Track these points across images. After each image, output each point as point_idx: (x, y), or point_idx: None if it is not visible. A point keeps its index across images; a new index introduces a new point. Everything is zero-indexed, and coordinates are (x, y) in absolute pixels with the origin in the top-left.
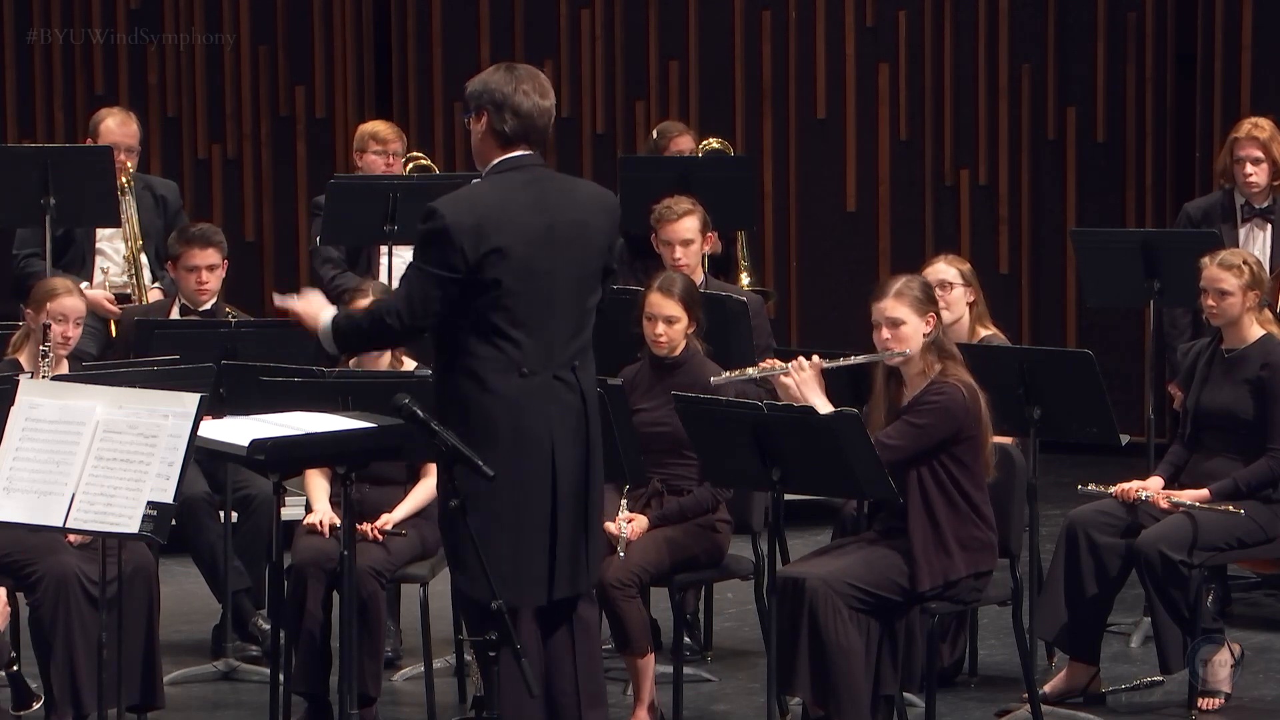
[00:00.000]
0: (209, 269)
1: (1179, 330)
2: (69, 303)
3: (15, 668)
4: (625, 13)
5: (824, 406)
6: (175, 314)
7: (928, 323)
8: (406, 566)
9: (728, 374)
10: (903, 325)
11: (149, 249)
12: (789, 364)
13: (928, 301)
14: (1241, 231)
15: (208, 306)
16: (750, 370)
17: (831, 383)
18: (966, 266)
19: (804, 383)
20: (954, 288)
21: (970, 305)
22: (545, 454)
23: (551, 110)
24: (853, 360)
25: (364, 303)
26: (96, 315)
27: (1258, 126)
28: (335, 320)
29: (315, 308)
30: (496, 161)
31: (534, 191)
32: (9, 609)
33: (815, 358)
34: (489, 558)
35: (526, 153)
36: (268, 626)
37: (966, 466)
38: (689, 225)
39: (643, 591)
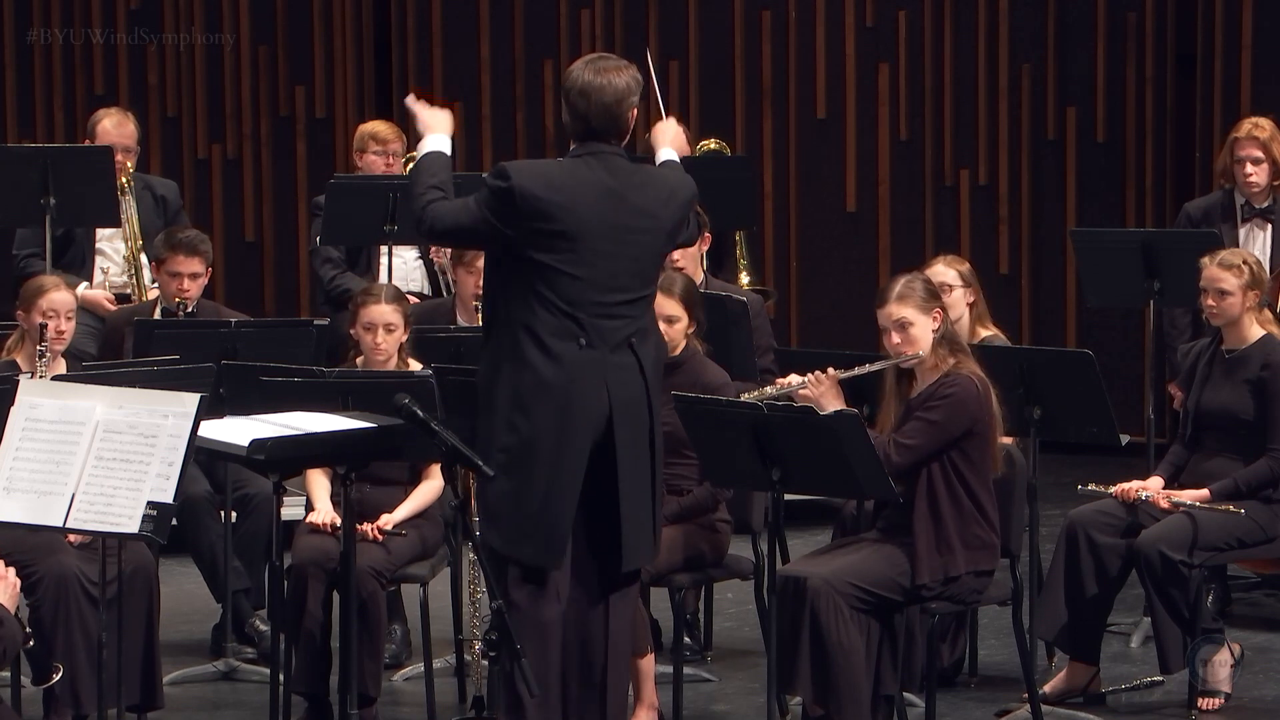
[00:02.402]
0: (191, 277)
1: (1179, 330)
2: (58, 297)
3: (31, 643)
4: (625, 13)
5: None
6: (157, 314)
7: (934, 319)
8: (406, 566)
9: (747, 395)
10: (911, 327)
11: (149, 249)
12: (805, 377)
13: (931, 298)
14: (1241, 231)
15: (190, 310)
16: (769, 389)
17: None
18: (966, 267)
19: (823, 395)
20: (954, 290)
21: (970, 306)
22: (597, 425)
23: (619, 102)
24: (868, 369)
25: (375, 308)
26: (96, 315)
27: (1258, 126)
28: (434, 157)
29: (435, 124)
30: (574, 147)
31: (603, 175)
32: (18, 586)
33: (831, 370)
34: (524, 517)
35: (599, 142)
36: (265, 628)
37: (974, 463)
38: None
39: (643, 591)
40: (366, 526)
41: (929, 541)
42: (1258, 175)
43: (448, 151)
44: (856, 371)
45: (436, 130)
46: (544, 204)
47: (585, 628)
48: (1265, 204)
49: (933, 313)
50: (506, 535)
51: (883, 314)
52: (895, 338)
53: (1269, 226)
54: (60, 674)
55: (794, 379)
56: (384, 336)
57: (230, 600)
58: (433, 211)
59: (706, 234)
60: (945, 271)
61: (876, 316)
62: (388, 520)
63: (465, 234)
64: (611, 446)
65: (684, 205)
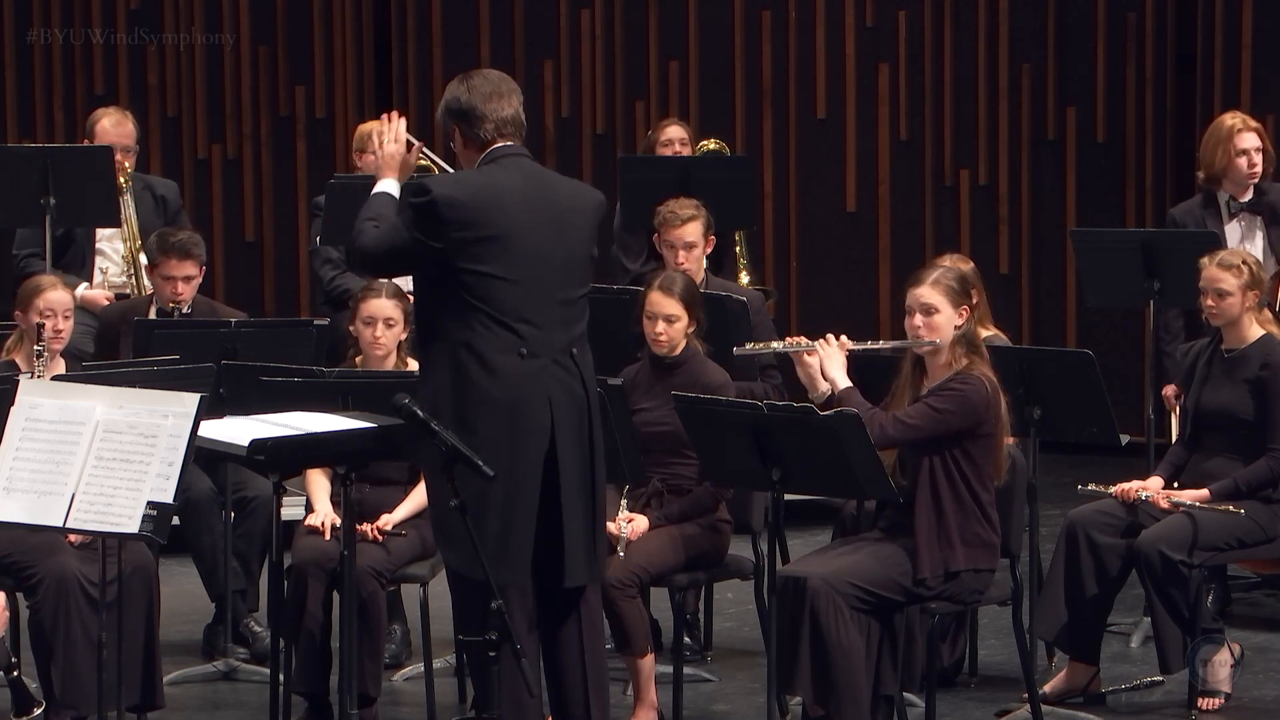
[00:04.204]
0: (185, 280)
1: (1172, 334)
2: (54, 297)
3: (16, 673)
4: (625, 13)
5: (843, 381)
6: (152, 314)
7: (960, 314)
8: (406, 566)
9: (752, 344)
10: (936, 314)
11: (148, 249)
12: (815, 341)
13: (963, 294)
14: (1237, 227)
15: (185, 310)
16: (775, 344)
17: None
18: (970, 266)
19: (828, 357)
20: None
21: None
22: (545, 436)
23: (512, 104)
24: (881, 345)
25: (375, 302)
26: (95, 314)
27: (1248, 121)
28: (379, 196)
29: (390, 166)
30: (481, 156)
31: (521, 177)
32: (8, 613)
33: (844, 337)
34: (479, 536)
35: (509, 143)
36: (259, 629)
37: (977, 465)
38: (693, 230)
39: (643, 591)
40: (366, 527)
41: (930, 535)
42: (1261, 165)
43: (395, 195)
44: (869, 346)
45: (389, 175)
46: (469, 210)
47: (557, 639)
48: (1247, 198)
49: (960, 308)
50: (466, 555)
51: (912, 294)
52: (918, 320)
53: (1259, 218)
54: (40, 710)
55: (803, 340)
56: (383, 331)
57: (229, 600)
58: (362, 240)
59: (711, 235)
60: None
61: (905, 296)
62: (387, 520)
63: (397, 255)
64: (554, 460)
65: (597, 206)
